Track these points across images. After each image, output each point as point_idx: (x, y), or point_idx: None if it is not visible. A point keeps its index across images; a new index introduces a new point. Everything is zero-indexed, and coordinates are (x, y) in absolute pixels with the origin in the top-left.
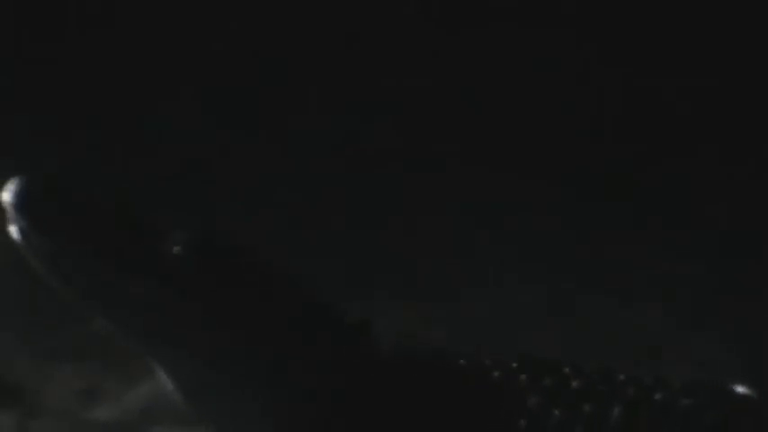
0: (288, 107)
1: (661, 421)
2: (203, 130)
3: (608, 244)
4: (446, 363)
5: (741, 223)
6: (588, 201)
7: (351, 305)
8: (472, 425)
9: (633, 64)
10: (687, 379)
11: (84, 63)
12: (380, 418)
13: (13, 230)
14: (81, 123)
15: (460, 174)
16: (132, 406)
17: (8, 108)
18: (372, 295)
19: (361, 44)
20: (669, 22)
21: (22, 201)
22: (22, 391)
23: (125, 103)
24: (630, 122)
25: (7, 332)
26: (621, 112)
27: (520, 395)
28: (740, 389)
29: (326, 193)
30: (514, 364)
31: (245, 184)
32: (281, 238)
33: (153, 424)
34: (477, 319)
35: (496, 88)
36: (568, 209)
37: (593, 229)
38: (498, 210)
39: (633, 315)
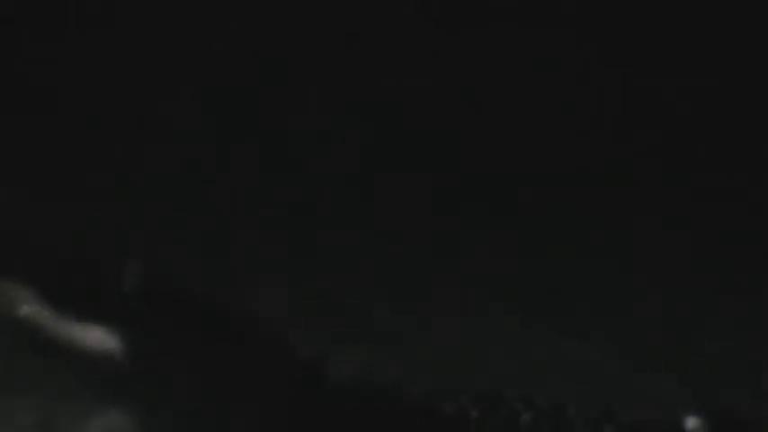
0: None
1: None
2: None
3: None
4: (400, 401)
5: None
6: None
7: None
8: None
9: (633, 64)
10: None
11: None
12: None
13: None
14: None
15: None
16: None
17: None
18: (328, 336)
19: (361, 44)
20: (669, 22)
21: None
22: None
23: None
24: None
25: None
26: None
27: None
28: (691, 422)
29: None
30: (465, 400)
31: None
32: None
33: None
34: (431, 358)
35: (496, 88)
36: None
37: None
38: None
39: (580, 348)
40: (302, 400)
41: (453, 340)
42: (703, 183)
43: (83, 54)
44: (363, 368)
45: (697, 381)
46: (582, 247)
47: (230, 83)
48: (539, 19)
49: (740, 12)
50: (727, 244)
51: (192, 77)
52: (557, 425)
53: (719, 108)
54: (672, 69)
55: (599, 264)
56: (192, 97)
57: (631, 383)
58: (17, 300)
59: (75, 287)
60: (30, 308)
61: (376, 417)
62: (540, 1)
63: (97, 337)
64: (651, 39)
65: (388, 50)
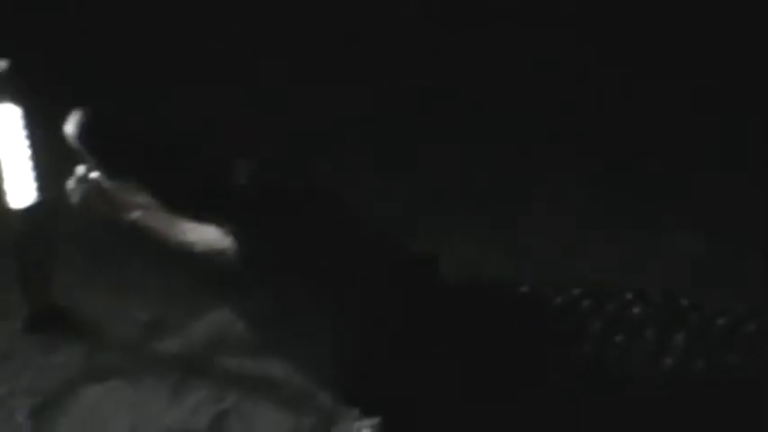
0: None
1: (724, 348)
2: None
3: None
4: (508, 291)
5: None
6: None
7: (416, 238)
8: (534, 353)
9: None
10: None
11: None
12: (443, 346)
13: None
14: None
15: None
16: (197, 337)
17: None
18: (438, 227)
19: (361, 44)
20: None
21: (85, 138)
22: (88, 325)
23: None
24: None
25: (74, 267)
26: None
27: (581, 322)
28: None
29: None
30: (576, 291)
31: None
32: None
33: (218, 354)
34: (536, 247)
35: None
36: None
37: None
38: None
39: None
40: (412, 297)
41: (559, 236)
42: None
43: None
44: (472, 264)
45: None
46: None
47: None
48: (539, 19)
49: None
50: None
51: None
52: (670, 317)
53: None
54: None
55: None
56: None
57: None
58: (128, 202)
59: (187, 188)
60: (140, 210)
61: (486, 312)
62: (540, 1)
63: (207, 238)
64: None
65: (388, 50)
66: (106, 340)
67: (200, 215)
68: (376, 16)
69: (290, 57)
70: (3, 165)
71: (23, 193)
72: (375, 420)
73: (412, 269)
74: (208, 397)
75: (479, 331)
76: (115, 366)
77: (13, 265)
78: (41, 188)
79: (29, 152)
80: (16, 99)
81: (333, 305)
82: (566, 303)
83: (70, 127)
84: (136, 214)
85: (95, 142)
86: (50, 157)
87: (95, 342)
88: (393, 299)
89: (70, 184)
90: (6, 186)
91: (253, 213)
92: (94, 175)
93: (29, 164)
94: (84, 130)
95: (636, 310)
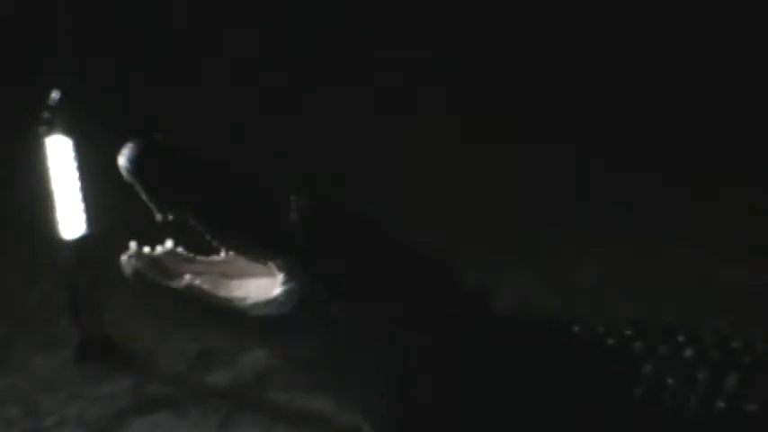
0: None
1: None
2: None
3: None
4: (561, 330)
5: None
6: None
7: (467, 270)
8: (586, 393)
9: None
10: None
11: None
12: (495, 384)
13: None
14: None
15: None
16: (246, 370)
17: None
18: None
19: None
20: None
21: (140, 169)
22: (137, 357)
23: None
24: None
25: (124, 299)
26: None
27: (634, 363)
28: None
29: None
30: (628, 332)
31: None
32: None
33: (266, 387)
34: (590, 286)
35: None
36: None
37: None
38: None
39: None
40: (464, 333)
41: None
42: None
43: None
44: (521, 296)
45: None
46: None
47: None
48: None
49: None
50: None
51: None
52: (723, 358)
53: None
54: None
55: None
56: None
57: None
58: (179, 269)
59: (244, 222)
60: (191, 275)
61: (536, 351)
62: None
63: (256, 290)
64: None
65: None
66: (155, 372)
67: (256, 251)
68: None
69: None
70: (55, 196)
71: (74, 225)
72: None
73: (464, 305)
74: (256, 431)
75: (529, 370)
76: (163, 398)
77: (63, 295)
78: (92, 220)
79: (79, 184)
80: (68, 131)
81: (390, 343)
82: (618, 344)
83: (123, 158)
84: (187, 280)
85: (148, 174)
86: (101, 188)
87: (144, 373)
88: (447, 335)
89: (123, 257)
90: (58, 217)
91: (308, 250)
92: (147, 249)
93: (79, 195)
94: (137, 161)
95: (688, 352)
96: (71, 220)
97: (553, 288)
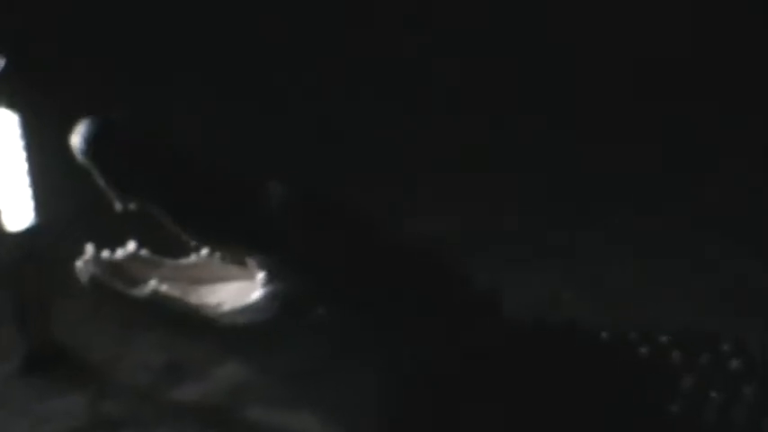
0: None
1: None
2: None
3: None
4: (584, 336)
5: None
6: None
7: (480, 270)
8: (615, 410)
9: None
10: None
11: None
12: (509, 393)
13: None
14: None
15: None
16: (220, 384)
17: None
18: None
19: None
20: None
21: (96, 150)
22: (94, 368)
23: None
24: None
25: (78, 301)
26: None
27: (671, 375)
28: None
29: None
30: (665, 339)
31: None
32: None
33: (242, 404)
34: (619, 287)
35: None
36: None
37: None
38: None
39: None
40: (472, 338)
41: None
42: None
43: None
44: (542, 301)
45: None
46: None
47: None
48: None
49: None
50: None
51: None
52: None
53: None
54: None
55: None
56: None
57: None
58: (143, 274)
59: (215, 210)
60: (157, 281)
61: (561, 357)
62: None
63: (232, 295)
64: None
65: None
66: (114, 386)
67: (230, 245)
68: None
69: None
70: None
71: (20, 214)
72: None
73: (474, 308)
74: None
75: (546, 381)
76: (124, 416)
77: (8, 298)
78: (41, 208)
79: (27, 166)
80: (13, 104)
81: (385, 353)
82: (653, 353)
83: (78, 138)
84: (152, 286)
85: (107, 155)
86: (51, 172)
87: (102, 388)
88: (453, 340)
89: (79, 264)
90: (1, 205)
91: (293, 244)
92: (105, 253)
93: (27, 180)
94: (94, 141)
95: (734, 362)
96: (16, 208)
97: (579, 291)
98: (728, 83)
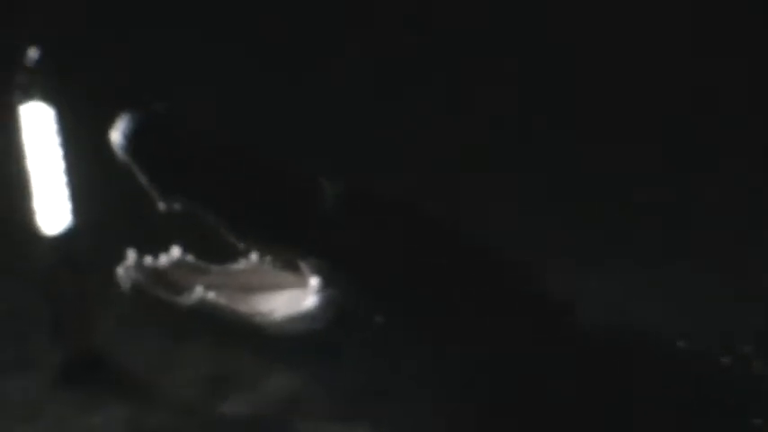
0: None
1: None
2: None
3: None
4: (661, 347)
5: None
6: None
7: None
8: (693, 424)
9: None
10: None
11: None
12: (583, 408)
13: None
14: None
15: None
16: (269, 396)
17: None
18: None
19: None
20: None
21: (137, 147)
22: (135, 379)
23: None
24: None
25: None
26: None
27: (755, 387)
28: None
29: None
30: (748, 349)
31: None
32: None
33: (293, 417)
34: (691, 291)
35: None
36: None
37: None
38: None
39: None
40: (547, 351)
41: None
42: None
43: None
44: (615, 308)
45: None
46: None
47: None
48: None
49: None
50: None
51: None
52: None
53: None
54: None
55: None
56: None
57: None
58: (189, 282)
59: (263, 211)
60: (204, 289)
61: (633, 371)
62: None
63: (285, 303)
64: None
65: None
66: (158, 399)
67: (282, 247)
68: None
69: None
70: (32, 179)
71: (57, 216)
72: None
73: (548, 317)
74: None
75: (623, 395)
76: (168, 431)
77: (44, 305)
78: (78, 209)
79: (63, 164)
80: (49, 97)
81: (455, 371)
82: (734, 364)
83: (118, 133)
84: (199, 294)
85: (150, 152)
86: (89, 170)
87: (144, 400)
88: (525, 353)
89: (120, 270)
90: (36, 206)
91: (351, 247)
92: (148, 259)
93: (63, 179)
94: (136, 136)
95: None
96: (52, 210)
97: (649, 297)
98: (728, 83)
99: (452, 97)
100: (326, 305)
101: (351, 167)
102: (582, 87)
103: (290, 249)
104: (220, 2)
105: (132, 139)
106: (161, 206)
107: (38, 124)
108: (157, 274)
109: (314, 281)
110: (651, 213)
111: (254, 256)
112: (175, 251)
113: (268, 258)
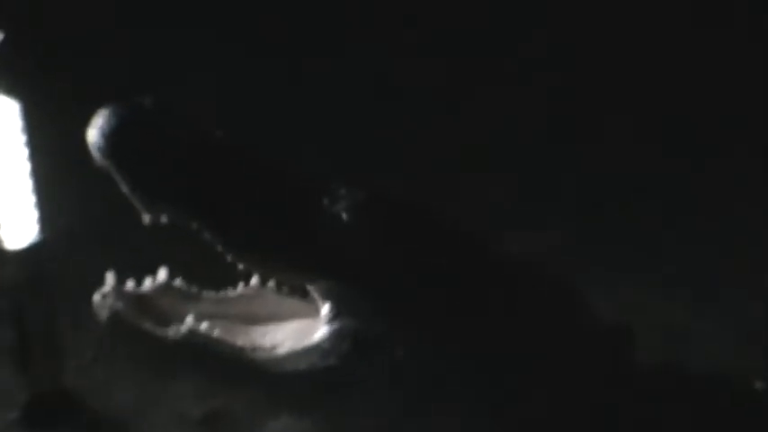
0: None
1: None
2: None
3: None
4: (736, 391)
5: None
6: None
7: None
8: None
9: None
10: None
11: None
12: None
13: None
14: None
15: None
16: None
17: None
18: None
19: None
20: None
21: (119, 149)
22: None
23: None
24: None
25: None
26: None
27: None
28: None
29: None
30: None
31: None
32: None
33: None
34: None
35: None
36: None
37: None
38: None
39: None
40: (596, 385)
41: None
42: None
43: None
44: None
45: None
46: None
47: None
48: None
49: None
50: None
51: None
52: None
53: None
54: None
55: None
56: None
57: None
58: (178, 310)
59: (272, 222)
60: (195, 318)
61: (696, 416)
62: None
63: (292, 335)
64: None
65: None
66: None
67: (287, 268)
68: None
69: None
70: None
71: (22, 228)
72: None
73: (601, 345)
74: None
75: None
76: None
77: (8, 331)
78: (47, 221)
79: (29, 168)
80: (13, 90)
81: (485, 399)
82: None
83: (95, 132)
84: (189, 324)
85: (133, 154)
86: (60, 175)
87: None
88: (568, 393)
89: (97, 297)
90: None
91: (367, 267)
92: (130, 283)
93: (29, 185)
94: (117, 135)
95: None
96: (17, 222)
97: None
98: (728, 82)
99: (452, 97)
100: (341, 337)
101: (351, 167)
102: (582, 87)
103: (297, 271)
104: (220, 2)
105: (112, 137)
106: (145, 218)
107: (2, 122)
108: (141, 302)
109: (325, 308)
110: (651, 213)
111: (254, 280)
112: (162, 274)
113: (271, 282)
